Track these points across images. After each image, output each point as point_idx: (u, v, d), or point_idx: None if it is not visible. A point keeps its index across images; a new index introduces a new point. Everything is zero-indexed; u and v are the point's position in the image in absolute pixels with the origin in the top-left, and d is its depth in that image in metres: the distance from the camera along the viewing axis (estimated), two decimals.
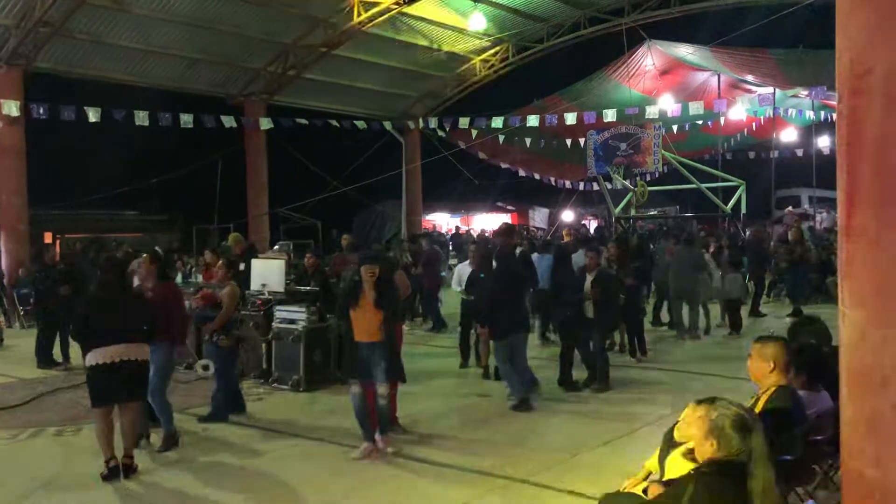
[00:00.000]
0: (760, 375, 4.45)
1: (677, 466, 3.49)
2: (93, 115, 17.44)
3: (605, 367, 8.92)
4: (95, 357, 5.91)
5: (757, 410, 4.23)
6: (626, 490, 3.91)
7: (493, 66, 24.75)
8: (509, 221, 29.77)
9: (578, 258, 10.30)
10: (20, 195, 17.78)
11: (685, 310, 12.25)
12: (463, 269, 10.68)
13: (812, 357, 4.87)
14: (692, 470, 3.24)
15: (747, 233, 20.28)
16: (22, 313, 15.28)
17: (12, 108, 16.82)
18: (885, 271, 2.79)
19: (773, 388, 4.37)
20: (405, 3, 19.22)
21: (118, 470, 5.93)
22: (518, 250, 10.97)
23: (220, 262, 8.72)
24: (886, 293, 2.78)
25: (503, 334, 8.05)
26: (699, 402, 3.33)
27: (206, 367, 8.95)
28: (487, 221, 34.15)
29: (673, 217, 29.56)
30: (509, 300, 8.11)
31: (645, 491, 3.70)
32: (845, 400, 3.03)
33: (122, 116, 17.80)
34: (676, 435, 3.72)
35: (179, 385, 8.83)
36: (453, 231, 31.24)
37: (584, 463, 6.19)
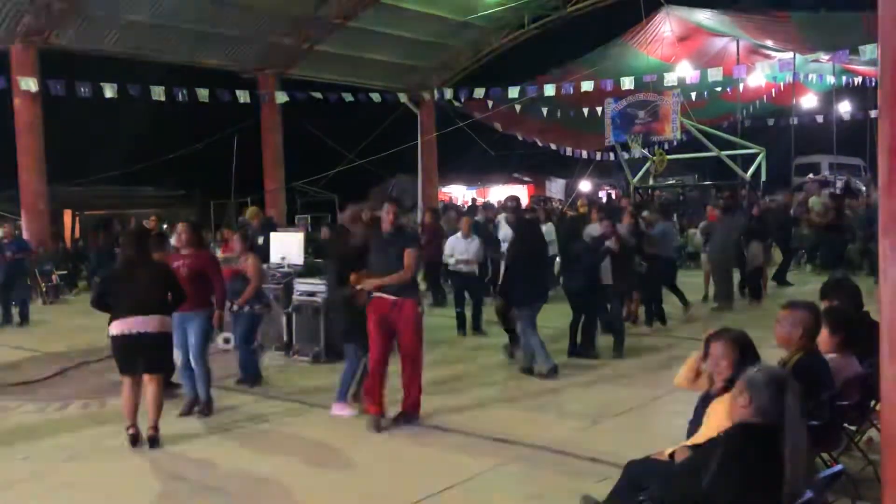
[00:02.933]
0: (788, 341, 4.41)
1: (717, 417, 3.50)
2: (109, 91, 17.46)
3: (622, 332, 8.95)
4: (114, 328, 6.02)
5: None
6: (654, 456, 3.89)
7: (508, 34, 24.47)
8: (515, 195, 29.62)
9: (593, 229, 10.23)
10: (39, 173, 17.90)
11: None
12: (455, 242, 10.78)
13: (845, 319, 4.79)
14: (720, 433, 3.21)
15: (768, 200, 20.03)
16: (44, 289, 15.43)
17: (30, 85, 16.87)
18: None
19: (800, 353, 4.33)
20: None
21: (137, 438, 6.03)
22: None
23: (236, 235, 8.78)
24: None
25: (529, 302, 8.07)
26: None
27: (227, 340, 9.11)
28: (503, 193, 33.99)
29: (692, 186, 29.27)
30: (534, 269, 8.14)
31: (672, 456, 3.67)
32: (886, 357, 2.98)
33: (137, 92, 17.80)
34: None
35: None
36: (469, 203, 31.11)
37: (606, 430, 6.19)
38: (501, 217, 10.93)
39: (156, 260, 6.64)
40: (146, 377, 6.14)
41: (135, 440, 6.03)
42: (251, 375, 8.01)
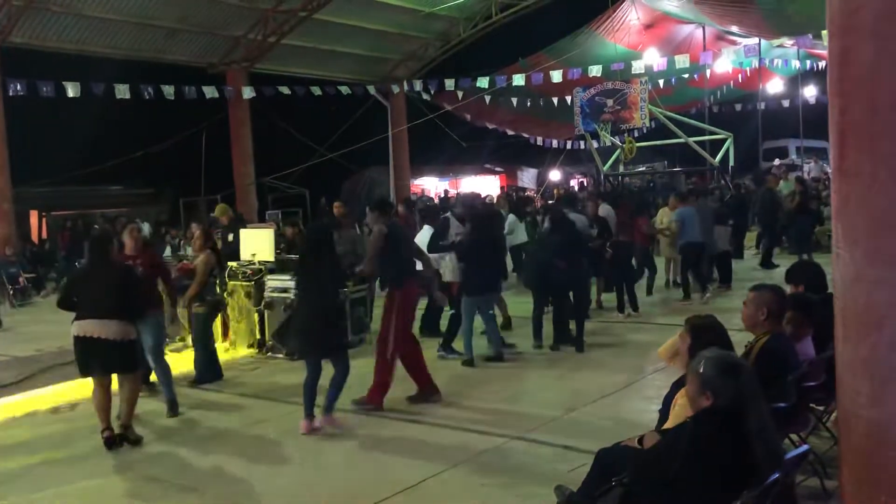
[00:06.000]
0: (754, 323, 4.47)
1: (683, 407, 3.51)
2: (72, 91, 17.18)
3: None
4: (74, 329, 6.00)
5: (751, 358, 4.25)
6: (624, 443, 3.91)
7: (476, 24, 24.44)
8: (475, 190, 29.80)
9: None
10: (3, 174, 17.58)
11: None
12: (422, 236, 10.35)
13: (800, 303, 4.88)
14: (688, 419, 3.24)
15: (747, 183, 20.19)
16: (11, 292, 15.18)
17: None
18: (880, 209, 2.77)
19: (766, 335, 4.39)
20: None
21: (112, 440, 5.98)
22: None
23: (198, 232, 8.72)
24: (881, 232, 2.77)
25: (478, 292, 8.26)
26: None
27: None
28: (476, 184, 34.03)
29: (661, 172, 29.50)
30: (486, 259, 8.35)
31: (641, 441, 3.70)
32: (840, 341, 3.03)
33: (101, 91, 17.53)
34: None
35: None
36: (442, 195, 31.10)
37: (579, 418, 6.22)
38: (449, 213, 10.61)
39: (118, 264, 6.55)
40: (120, 377, 6.10)
41: (110, 442, 5.97)
42: (207, 375, 7.92)
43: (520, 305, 10.03)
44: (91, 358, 5.97)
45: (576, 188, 30.36)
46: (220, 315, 9.14)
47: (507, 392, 7.19)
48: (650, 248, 12.64)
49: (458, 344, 8.53)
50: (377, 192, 28.38)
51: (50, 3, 16.97)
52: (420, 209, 15.10)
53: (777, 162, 29.20)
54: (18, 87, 16.80)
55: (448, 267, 8.92)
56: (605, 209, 11.48)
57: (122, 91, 17.72)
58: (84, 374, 6.08)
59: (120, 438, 6.02)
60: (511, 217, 12.74)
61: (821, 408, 4.90)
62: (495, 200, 16.20)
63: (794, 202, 14.70)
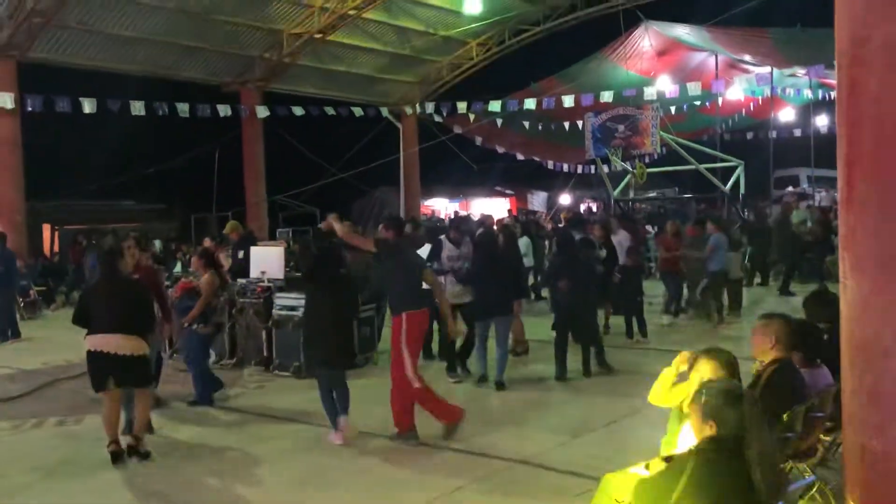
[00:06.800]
0: (762, 351, 4.45)
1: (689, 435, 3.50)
2: (88, 107, 17.37)
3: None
4: (87, 343, 6.03)
5: (759, 386, 4.23)
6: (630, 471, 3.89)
7: (489, 49, 24.62)
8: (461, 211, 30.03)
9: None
10: (17, 188, 17.75)
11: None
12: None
13: (809, 333, 4.85)
14: (692, 447, 3.23)
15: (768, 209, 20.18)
16: (21, 305, 15.25)
17: (6, 101, 16.74)
18: (887, 240, 2.77)
19: (774, 365, 4.37)
20: None
21: (118, 454, 5.97)
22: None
23: (194, 258, 8.75)
24: (889, 263, 2.76)
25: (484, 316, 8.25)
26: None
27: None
28: (486, 206, 34.09)
29: (672, 198, 29.47)
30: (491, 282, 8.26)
31: (647, 468, 3.68)
32: (847, 372, 3.01)
33: (117, 107, 17.71)
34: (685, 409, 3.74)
35: (179, 374, 8.82)
36: (451, 216, 31.17)
37: (585, 444, 6.19)
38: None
39: (128, 278, 6.60)
40: (136, 390, 6.16)
41: (117, 457, 5.96)
42: (202, 395, 7.78)
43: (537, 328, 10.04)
44: (105, 372, 5.99)
45: (584, 211, 30.39)
46: (226, 332, 9.17)
47: (513, 416, 7.16)
48: (680, 271, 12.20)
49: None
50: (387, 212, 28.50)
51: (69, 20, 17.21)
52: (426, 228, 15.17)
53: (789, 189, 29.16)
54: (37, 103, 16.98)
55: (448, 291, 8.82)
56: (622, 234, 11.40)
57: (138, 108, 17.91)
58: (98, 388, 6.07)
59: (130, 451, 6.02)
60: (525, 239, 12.79)
61: (829, 438, 4.85)
62: (494, 223, 16.13)
63: (816, 231, 14.71)
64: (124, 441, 6.10)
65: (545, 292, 12.06)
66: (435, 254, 8.97)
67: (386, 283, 6.73)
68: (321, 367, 6.46)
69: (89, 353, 6.01)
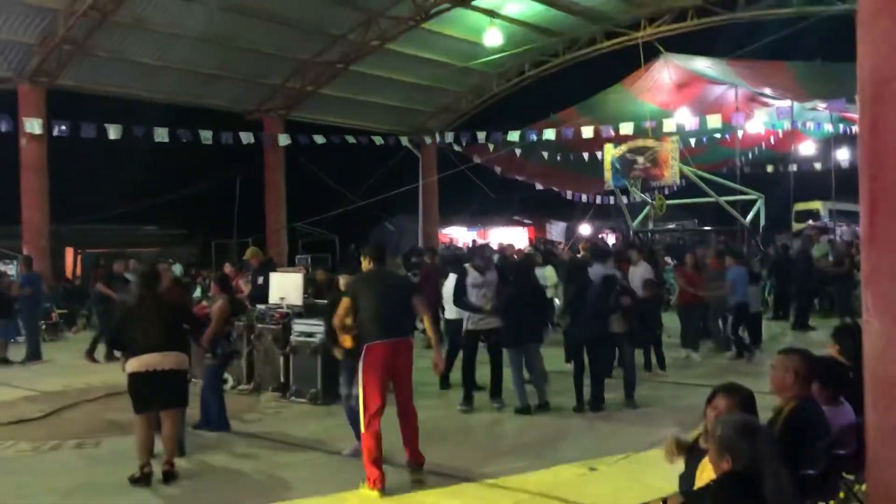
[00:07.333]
0: (782, 387, 4.40)
1: (709, 471, 3.49)
2: (113, 133, 17.61)
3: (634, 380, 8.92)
4: (132, 365, 6.10)
5: (779, 423, 4.19)
6: None
7: (509, 80, 24.80)
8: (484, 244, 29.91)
9: (594, 272, 9.94)
10: (42, 211, 18.02)
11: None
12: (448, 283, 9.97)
13: (832, 370, 4.80)
14: (710, 482, 3.22)
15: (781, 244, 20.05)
16: (43, 327, 15.41)
17: (35, 126, 17.04)
18: None
19: (794, 400, 4.32)
20: (422, 19, 19.37)
21: (150, 477, 6.02)
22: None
23: (217, 275, 8.83)
24: None
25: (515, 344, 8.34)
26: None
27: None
28: (504, 235, 34.11)
29: (691, 230, 29.36)
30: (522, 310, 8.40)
31: (665, 503, 3.65)
32: (870, 410, 2.99)
33: (142, 133, 17.98)
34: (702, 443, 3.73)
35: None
36: (470, 245, 31.21)
37: (603, 476, 6.14)
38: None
39: (166, 297, 6.72)
40: (162, 413, 6.23)
41: (147, 479, 6.00)
42: (209, 421, 7.69)
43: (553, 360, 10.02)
44: (153, 392, 6.07)
45: (603, 242, 30.33)
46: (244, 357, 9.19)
47: (529, 447, 7.12)
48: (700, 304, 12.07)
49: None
50: (406, 241, 28.63)
51: (98, 49, 17.55)
52: (444, 257, 15.19)
53: (809, 222, 28.99)
54: (63, 129, 17.28)
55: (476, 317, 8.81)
56: (645, 267, 11.27)
57: (161, 134, 18.17)
58: (141, 410, 6.14)
59: (167, 476, 6.08)
60: (550, 269, 12.80)
61: (851, 476, 4.78)
62: (513, 252, 16.13)
63: (843, 268, 14.67)
64: (156, 465, 6.12)
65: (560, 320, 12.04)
66: (460, 283, 8.93)
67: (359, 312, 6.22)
68: None
69: (136, 374, 6.07)
